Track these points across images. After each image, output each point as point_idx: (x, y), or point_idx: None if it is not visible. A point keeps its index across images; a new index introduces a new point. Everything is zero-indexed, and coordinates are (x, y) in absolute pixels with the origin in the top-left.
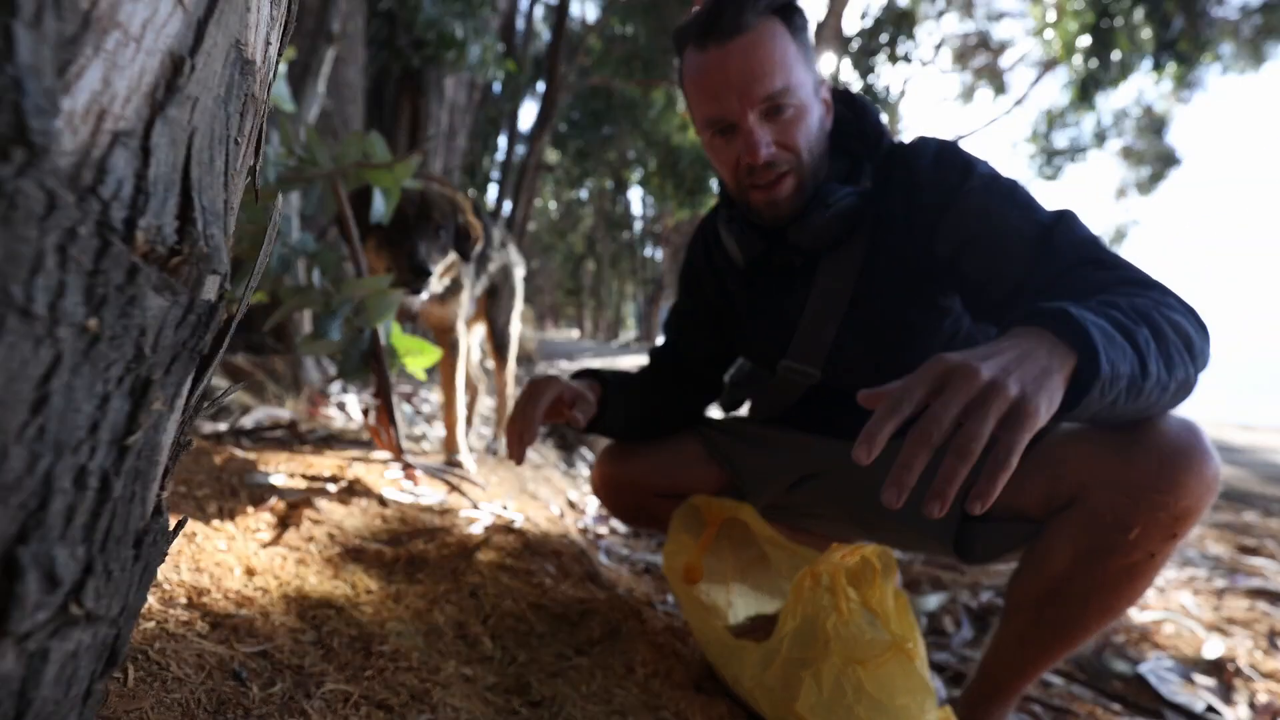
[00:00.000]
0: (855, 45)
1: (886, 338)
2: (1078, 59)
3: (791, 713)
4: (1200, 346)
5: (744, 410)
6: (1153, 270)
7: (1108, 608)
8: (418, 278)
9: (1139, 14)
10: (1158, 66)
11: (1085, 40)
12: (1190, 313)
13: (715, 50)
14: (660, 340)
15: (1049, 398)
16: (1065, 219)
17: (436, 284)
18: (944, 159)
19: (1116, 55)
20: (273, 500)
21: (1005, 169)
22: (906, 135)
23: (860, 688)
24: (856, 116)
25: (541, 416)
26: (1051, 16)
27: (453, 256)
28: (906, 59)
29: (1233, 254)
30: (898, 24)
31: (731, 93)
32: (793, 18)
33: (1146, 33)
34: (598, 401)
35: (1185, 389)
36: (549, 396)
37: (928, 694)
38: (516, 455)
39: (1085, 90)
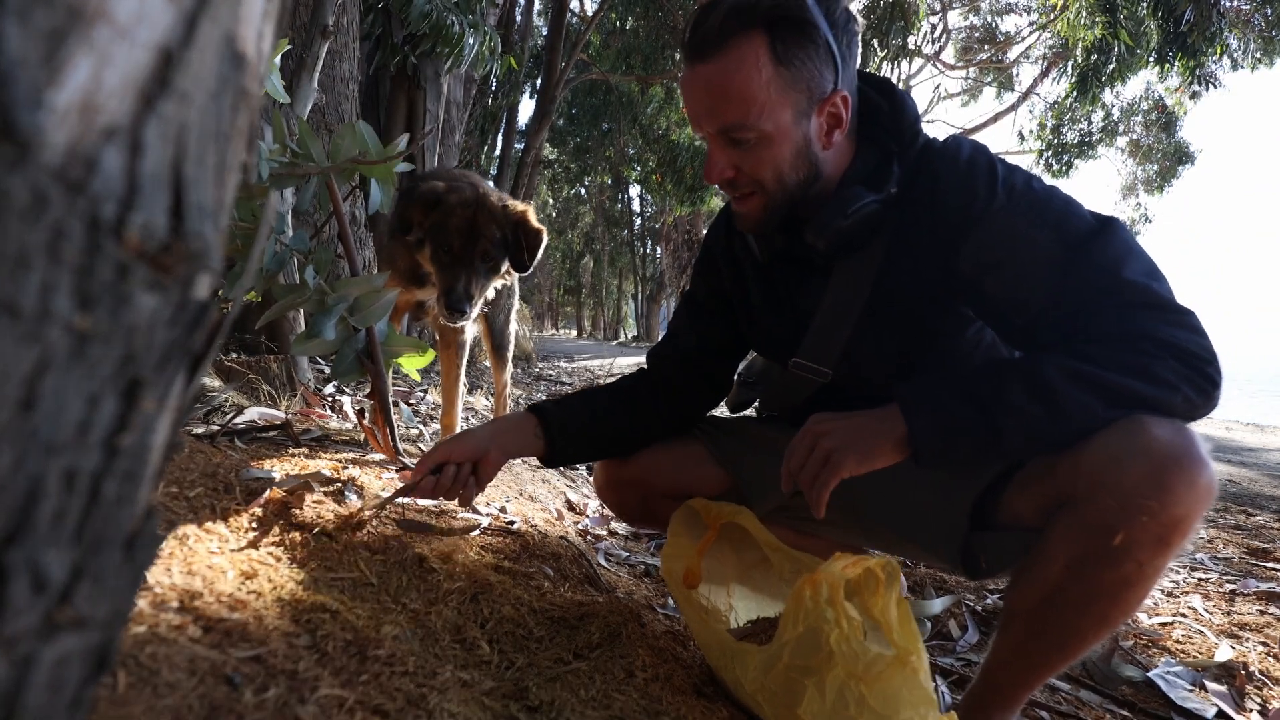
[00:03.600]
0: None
1: (903, 343)
2: (1081, 52)
3: (795, 718)
4: (1164, 379)
5: (751, 411)
6: (1169, 287)
7: (1103, 617)
8: (452, 315)
9: (1144, 7)
10: (1162, 61)
11: (1091, 33)
12: (1169, 347)
13: (688, 67)
14: (663, 338)
15: (859, 454)
16: (1099, 239)
17: (476, 310)
18: (975, 168)
19: (1120, 48)
20: (266, 497)
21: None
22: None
23: (863, 701)
24: (893, 109)
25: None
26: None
27: (505, 270)
28: (905, 53)
29: (1250, 253)
30: (893, 15)
31: (693, 115)
32: (782, 32)
33: (1151, 26)
34: (544, 439)
35: (1087, 423)
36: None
37: (930, 705)
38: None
39: (1085, 83)
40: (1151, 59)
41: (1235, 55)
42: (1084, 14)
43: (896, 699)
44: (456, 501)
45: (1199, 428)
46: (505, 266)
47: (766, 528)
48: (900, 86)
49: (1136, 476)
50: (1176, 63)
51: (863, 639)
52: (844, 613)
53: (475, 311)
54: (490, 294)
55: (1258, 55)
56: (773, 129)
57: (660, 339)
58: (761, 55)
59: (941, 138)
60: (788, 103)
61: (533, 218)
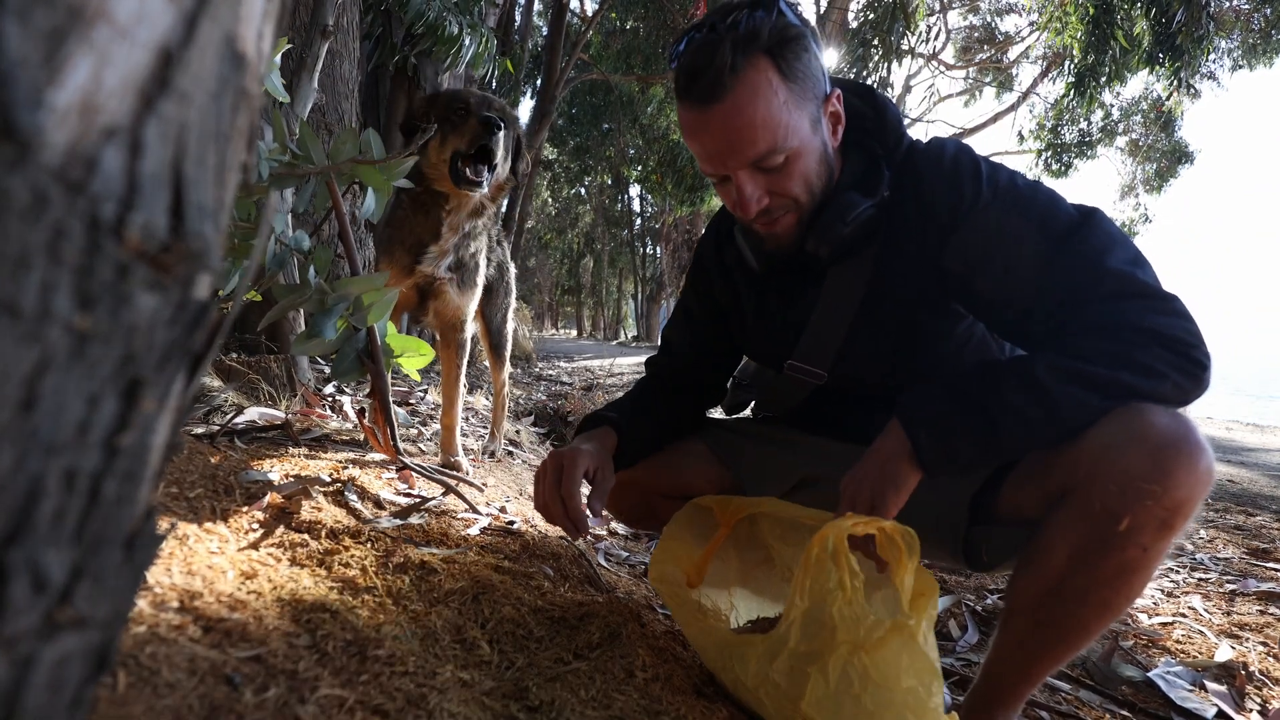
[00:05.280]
0: (855, 39)
1: (897, 342)
2: (1077, 53)
3: (798, 712)
4: (1153, 368)
5: (747, 413)
6: (1153, 273)
7: (1106, 606)
8: (488, 130)
9: (1139, 8)
10: (1152, 61)
11: (1060, 38)
12: (1155, 335)
13: (698, 112)
14: (660, 346)
15: (894, 484)
16: (1082, 230)
17: (502, 169)
18: (959, 167)
19: (1115, 50)
20: (266, 502)
21: (1017, 167)
22: (912, 132)
23: (865, 675)
24: (876, 114)
25: (579, 492)
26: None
27: (506, 171)
28: (903, 53)
29: (1249, 252)
30: (894, 16)
31: (716, 156)
32: (784, 51)
33: (1143, 26)
34: (615, 447)
35: (1083, 416)
36: (580, 471)
37: (934, 675)
38: (575, 533)
39: (1082, 83)
40: (1144, 60)
41: (1235, 55)
42: (1055, 19)
43: (897, 667)
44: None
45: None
46: (507, 170)
47: (764, 528)
48: (902, 87)
49: (1137, 462)
50: (1166, 64)
51: (864, 600)
52: (848, 566)
53: (501, 147)
54: (499, 255)
55: (1257, 54)
56: (799, 144)
57: (659, 348)
58: (773, 79)
59: (927, 139)
60: (804, 115)
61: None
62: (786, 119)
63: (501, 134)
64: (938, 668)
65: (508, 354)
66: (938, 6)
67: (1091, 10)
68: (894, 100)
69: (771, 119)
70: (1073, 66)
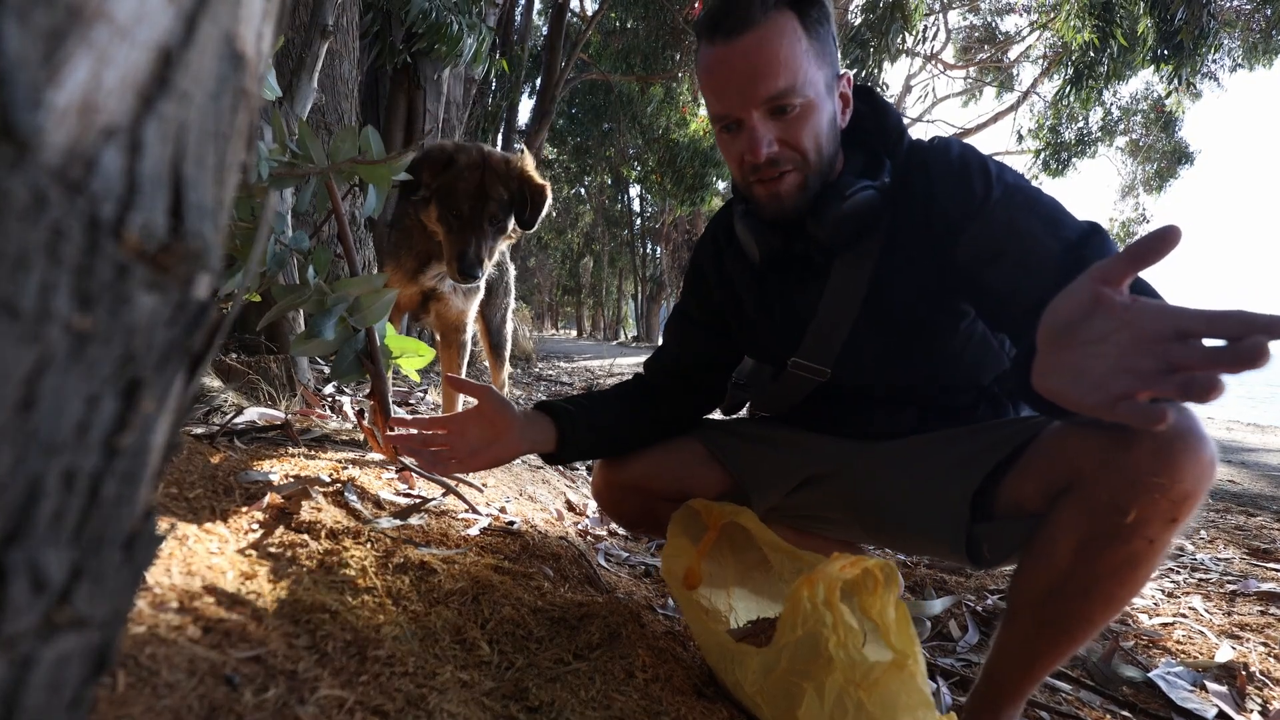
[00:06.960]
0: (853, 42)
1: (901, 338)
2: (1077, 44)
3: (794, 719)
4: None
5: (744, 412)
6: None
7: (1110, 598)
8: (465, 279)
9: (1141, 6)
10: (1157, 60)
11: (1080, 36)
12: None
13: (721, 46)
14: (657, 350)
15: None
16: (1091, 239)
17: (486, 272)
18: (968, 164)
19: (1114, 48)
20: (266, 502)
21: (1015, 167)
22: (912, 132)
23: (861, 707)
24: (876, 114)
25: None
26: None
27: (511, 228)
28: (899, 52)
29: (1247, 253)
30: (891, 15)
31: (735, 91)
32: (808, 10)
33: (1147, 24)
34: (556, 436)
35: None
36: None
37: (928, 708)
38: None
39: (1080, 80)
40: (1148, 58)
41: (1235, 55)
42: (1073, 17)
43: (894, 703)
44: (447, 467)
45: None
46: (512, 225)
47: (755, 533)
48: (901, 87)
49: (1143, 455)
50: (1168, 61)
51: (860, 646)
52: (840, 618)
53: (485, 274)
54: (499, 255)
55: (1258, 54)
56: (814, 96)
57: (655, 350)
58: (797, 28)
59: (929, 139)
60: (820, 75)
61: (535, 174)
62: (806, 67)
63: (483, 273)
64: (932, 701)
65: (507, 354)
66: (937, 6)
67: (1094, 10)
68: (893, 101)
69: (793, 60)
70: (1071, 62)
